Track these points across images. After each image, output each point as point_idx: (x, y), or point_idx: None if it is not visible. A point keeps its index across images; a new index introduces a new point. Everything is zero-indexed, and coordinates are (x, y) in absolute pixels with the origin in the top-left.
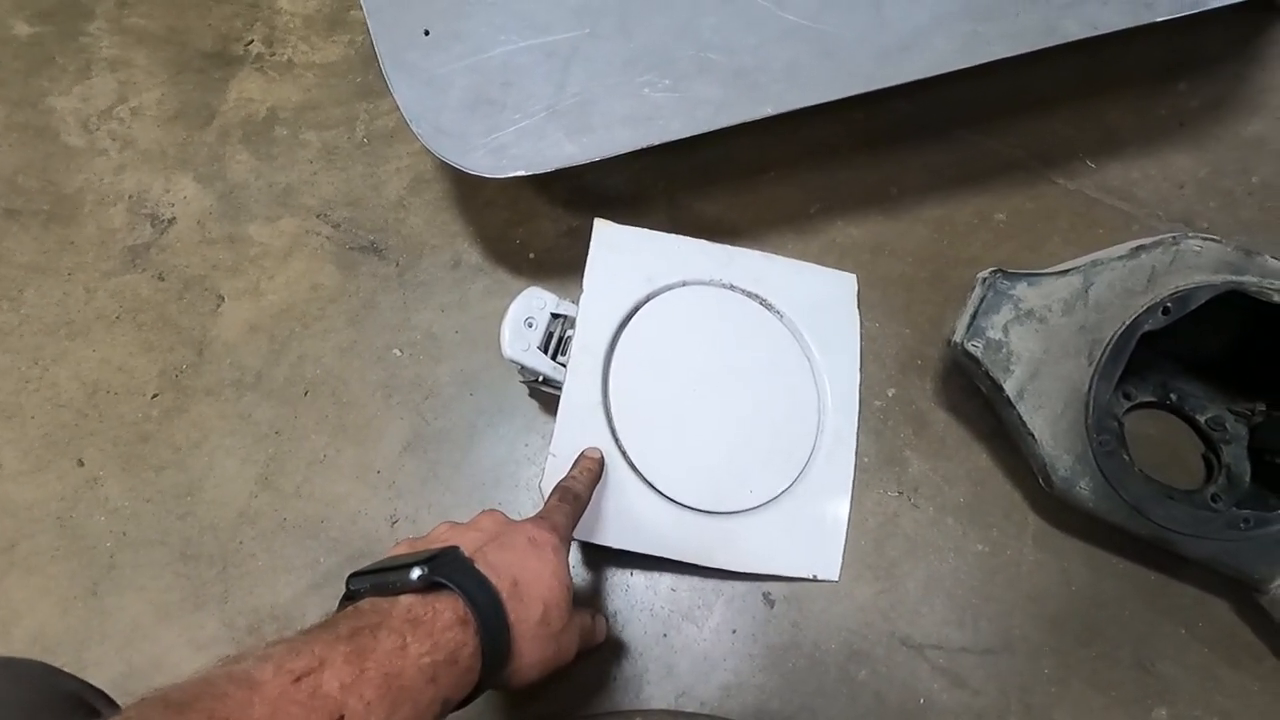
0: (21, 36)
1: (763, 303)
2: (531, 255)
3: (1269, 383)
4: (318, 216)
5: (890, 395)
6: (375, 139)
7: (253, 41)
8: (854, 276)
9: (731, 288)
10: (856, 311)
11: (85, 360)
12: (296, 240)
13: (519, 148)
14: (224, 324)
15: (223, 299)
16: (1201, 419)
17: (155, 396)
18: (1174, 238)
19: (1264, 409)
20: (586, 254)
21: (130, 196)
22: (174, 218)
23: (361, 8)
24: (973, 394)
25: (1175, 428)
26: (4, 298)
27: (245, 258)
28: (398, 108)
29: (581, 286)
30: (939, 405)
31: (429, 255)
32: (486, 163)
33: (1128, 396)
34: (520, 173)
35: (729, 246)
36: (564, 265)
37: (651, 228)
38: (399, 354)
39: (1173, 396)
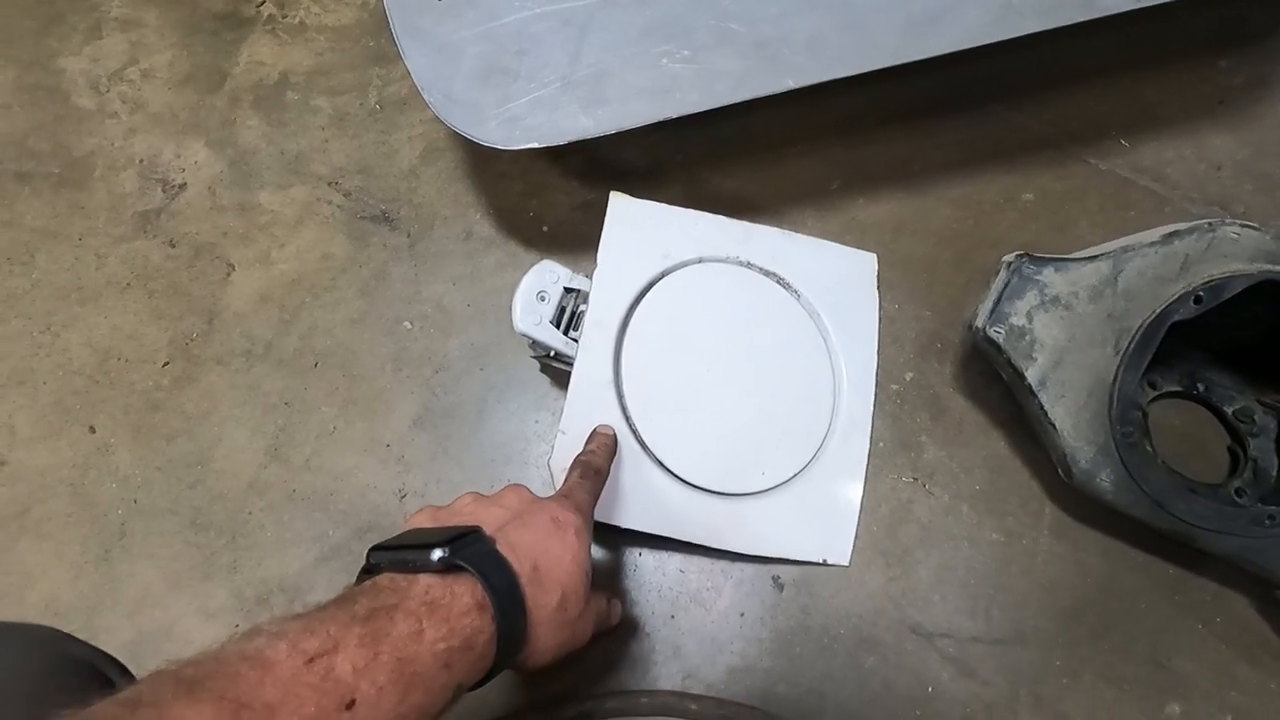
0: None
1: (780, 281)
2: (545, 228)
3: None
4: (329, 185)
5: (908, 379)
6: (388, 106)
7: (264, 3)
8: (874, 256)
9: (749, 265)
10: (876, 292)
11: (96, 327)
12: (307, 209)
13: (532, 119)
14: (234, 293)
15: (233, 267)
16: (1229, 410)
17: (166, 365)
18: (1210, 224)
19: None
20: (601, 228)
21: (141, 161)
22: (185, 183)
23: None
24: (992, 379)
25: (1201, 418)
26: (16, 261)
27: (256, 225)
28: (409, 75)
29: (595, 261)
30: (957, 390)
31: (441, 226)
32: (499, 134)
33: (1153, 386)
34: (533, 145)
35: (747, 223)
36: (578, 239)
37: (668, 202)
38: (409, 327)
39: (1200, 386)
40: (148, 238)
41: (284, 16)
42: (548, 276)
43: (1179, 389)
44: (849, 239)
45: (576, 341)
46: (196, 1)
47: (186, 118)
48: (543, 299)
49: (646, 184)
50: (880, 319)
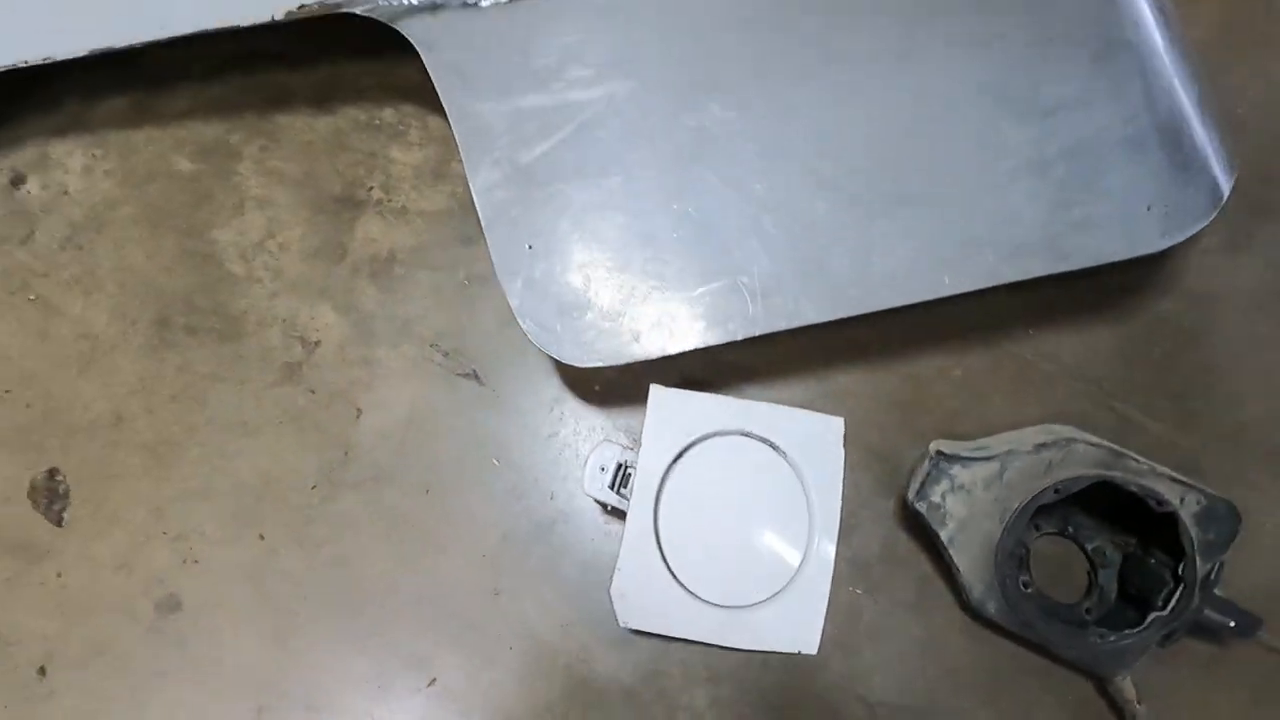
0: (185, 172)
1: (771, 445)
2: (597, 387)
3: (1134, 530)
4: (431, 346)
5: (863, 514)
6: (474, 281)
7: (373, 188)
8: (842, 420)
9: (749, 435)
10: (842, 450)
11: (259, 455)
12: (415, 364)
13: (599, 344)
14: (363, 431)
15: (360, 411)
16: (1089, 547)
17: (314, 488)
18: (1066, 440)
19: (1134, 543)
20: (636, 388)
21: (283, 320)
22: (319, 341)
23: (475, 207)
24: None
25: (1072, 551)
26: (194, 400)
27: (376, 376)
28: (510, 305)
29: (636, 420)
30: (898, 525)
31: (518, 384)
32: (575, 355)
33: (1038, 528)
34: (599, 364)
35: (749, 401)
36: (621, 395)
37: (687, 369)
38: (497, 463)
39: (1070, 528)
40: (293, 385)
41: (389, 201)
42: (607, 454)
43: (1056, 530)
44: (824, 403)
45: (627, 498)
46: (318, 184)
47: (318, 285)
48: (603, 469)
49: (673, 356)
50: (845, 469)
